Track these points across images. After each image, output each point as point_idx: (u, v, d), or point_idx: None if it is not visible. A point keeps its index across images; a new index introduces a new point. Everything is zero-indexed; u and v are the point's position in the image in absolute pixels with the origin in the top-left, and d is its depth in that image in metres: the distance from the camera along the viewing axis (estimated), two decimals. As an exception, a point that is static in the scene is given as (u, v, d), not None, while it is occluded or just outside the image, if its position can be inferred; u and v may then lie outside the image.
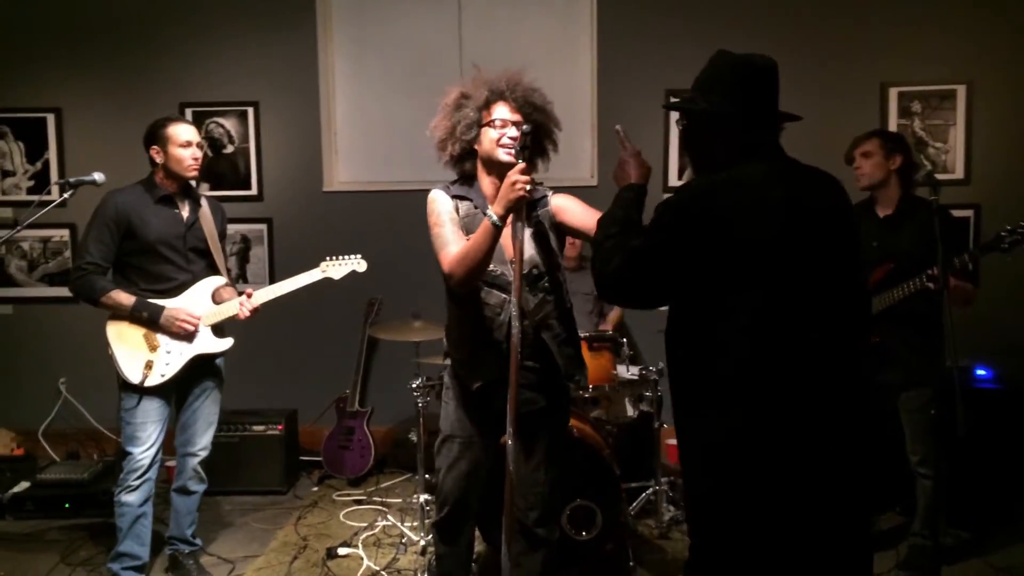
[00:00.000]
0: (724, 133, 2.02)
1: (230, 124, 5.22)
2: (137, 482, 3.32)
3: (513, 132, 2.46)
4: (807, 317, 1.86)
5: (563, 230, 2.62)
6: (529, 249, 2.53)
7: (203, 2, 5.18)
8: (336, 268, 3.56)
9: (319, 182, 5.28)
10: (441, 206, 2.55)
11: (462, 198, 2.58)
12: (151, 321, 3.30)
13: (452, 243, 2.47)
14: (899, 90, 4.91)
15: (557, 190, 2.66)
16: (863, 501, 1.95)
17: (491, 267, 2.48)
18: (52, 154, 5.26)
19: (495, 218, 2.33)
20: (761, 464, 1.84)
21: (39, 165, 5.27)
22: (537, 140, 2.51)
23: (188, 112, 5.16)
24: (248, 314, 3.40)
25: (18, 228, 3.05)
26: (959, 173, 4.91)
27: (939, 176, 4.78)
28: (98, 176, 3.22)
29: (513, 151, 2.41)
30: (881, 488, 1.65)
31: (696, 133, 2.09)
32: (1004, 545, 3.77)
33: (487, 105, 2.52)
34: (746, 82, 2.01)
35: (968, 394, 4.00)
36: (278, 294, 3.48)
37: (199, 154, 3.39)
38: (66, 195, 3.18)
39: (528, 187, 2.33)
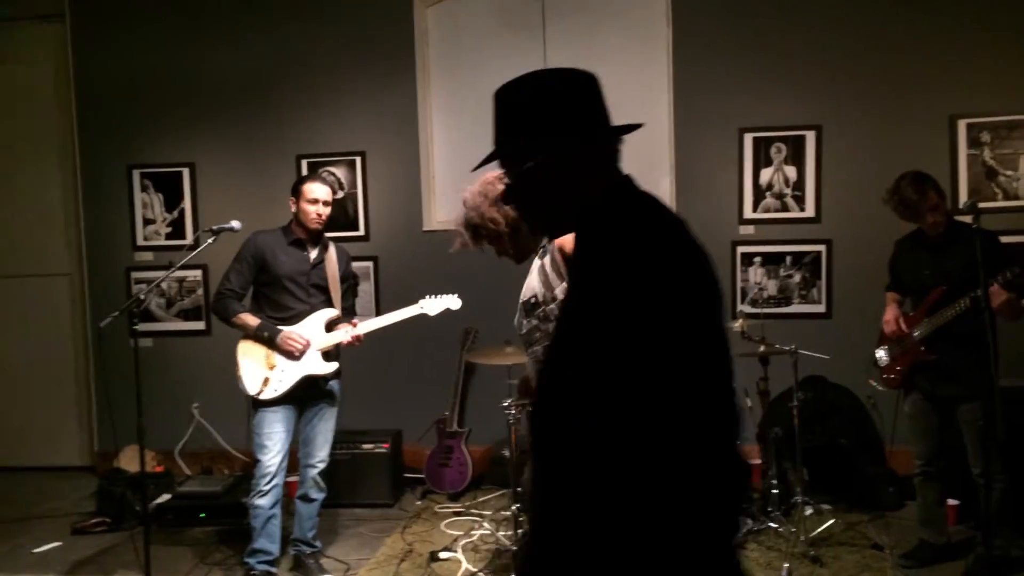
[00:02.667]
0: (583, 172, 1.57)
1: (340, 172, 5.80)
2: (268, 487, 3.84)
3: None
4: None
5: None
6: (534, 280, 2.87)
7: (315, 63, 5.79)
8: (432, 305, 4.06)
9: (419, 222, 5.79)
10: None
11: None
12: (270, 340, 3.85)
13: None
14: (967, 122, 5.09)
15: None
16: None
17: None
18: (187, 204, 5.94)
19: None
20: None
21: (176, 214, 5.96)
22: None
23: (304, 163, 5.77)
24: (351, 340, 3.89)
25: (173, 268, 3.66)
26: (1031, 199, 5.05)
27: (1009, 203, 4.99)
28: (235, 224, 3.82)
29: None
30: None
31: (544, 184, 1.57)
32: (1074, 558, 3.89)
33: None
34: (583, 100, 1.58)
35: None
36: (380, 325, 3.99)
37: (324, 211, 3.96)
38: (210, 240, 3.74)
39: None
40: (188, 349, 5.96)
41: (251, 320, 3.87)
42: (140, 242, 6.01)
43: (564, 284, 2.82)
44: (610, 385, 1.37)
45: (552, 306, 2.85)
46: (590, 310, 1.43)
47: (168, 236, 5.98)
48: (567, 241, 2.78)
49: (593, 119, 1.58)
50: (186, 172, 5.94)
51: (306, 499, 4.07)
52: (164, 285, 5.91)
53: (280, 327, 3.88)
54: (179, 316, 6.00)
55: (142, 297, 3.53)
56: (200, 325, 5.98)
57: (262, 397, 3.84)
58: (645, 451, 1.36)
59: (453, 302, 4.10)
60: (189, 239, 5.92)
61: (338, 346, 3.98)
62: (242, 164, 5.89)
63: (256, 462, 3.88)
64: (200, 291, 5.96)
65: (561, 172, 1.55)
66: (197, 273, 5.91)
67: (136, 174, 5.98)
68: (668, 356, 1.38)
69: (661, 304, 1.39)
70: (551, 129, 1.54)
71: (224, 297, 3.90)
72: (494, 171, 2.70)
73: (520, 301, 2.88)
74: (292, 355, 3.87)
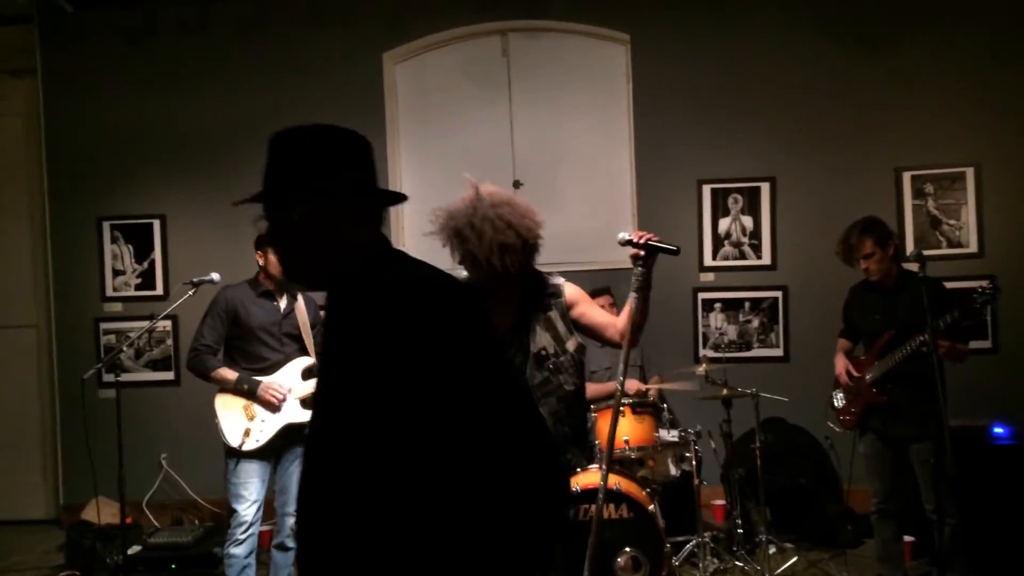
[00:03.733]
0: (347, 227, 1.57)
1: (311, 224, 5.90)
2: (243, 536, 3.88)
3: None
4: None
5: (577, 326, 2.97)
6: (541, 333, 2.89)
7: (286, 117, 5.88)
8: None
9: (389, 272, 5.90)
10: None
11: None
12: (251, 393, 3.91)
13: None
14: (912, 173, 5.38)
15: (569, 277, 3.09)
16: None
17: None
18: (157, 255, 6.00)
19: None
20: None
21: (146, 265, 6.02)
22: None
23: (274, 214, 5.86)
24: None
25: (156, 319, 3.73)
26: (973, 247, 5.32)
27: (953, 251, 5.25)
28: (215, 276, 3.92)
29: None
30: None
31: (308, 234, 1.56)
32: (1024, 589, 4.07)
33: None
34: (354, 158, 1.62)
35: (986, 450, 4.38)
36: None
37: None
38: (190, 292, 3.82)
39: None
40: (157, 399, 5.96)
41: (229, 374, 3.94)
42: (109, 293, 6.04)
43: (574, 338, 2.94)
44: (397, 448, 1.37)
45: (563, 358, 2.91)
46: (369, 373, 1.42)
47: (138, 287, 6.02)
48: (576, 298, 2.95)
49: (363, 179, 1.60)
50: (156, 224, 6.01)
51: (283, 548, 4.11)
52: (133, 335, 5.93)
53: (258, 378, 3.96)
54: (148, 366, 6.01)
55: (124, 348, 3.58)
56: (169, 375, 6.00)
57: (245, 448, 3.89)
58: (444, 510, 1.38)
59: None
60: (159, 290, 5.97)
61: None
62: (213, 216, 5.97)
63: (232, 512, 3.92)
64: (169, 341, 5.99)
65: (325, 224, 1.56)
66: (167, 323, 5.94)
67: (106, 225, 6.03)
68: (454, 409, 1.39)
69: (442, 359, 1.40)
70: (321, 181, 1.55)
71: (200, 353, 3.95)
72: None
73: (530, 354, 2.88)
74: (273, 406, 3.94)
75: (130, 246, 6.03)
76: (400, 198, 1.66)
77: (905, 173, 5.40)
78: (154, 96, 6.02)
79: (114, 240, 6.04)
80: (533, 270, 2.91)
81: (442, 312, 1.47)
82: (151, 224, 6.01)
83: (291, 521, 4.08)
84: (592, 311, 3.01)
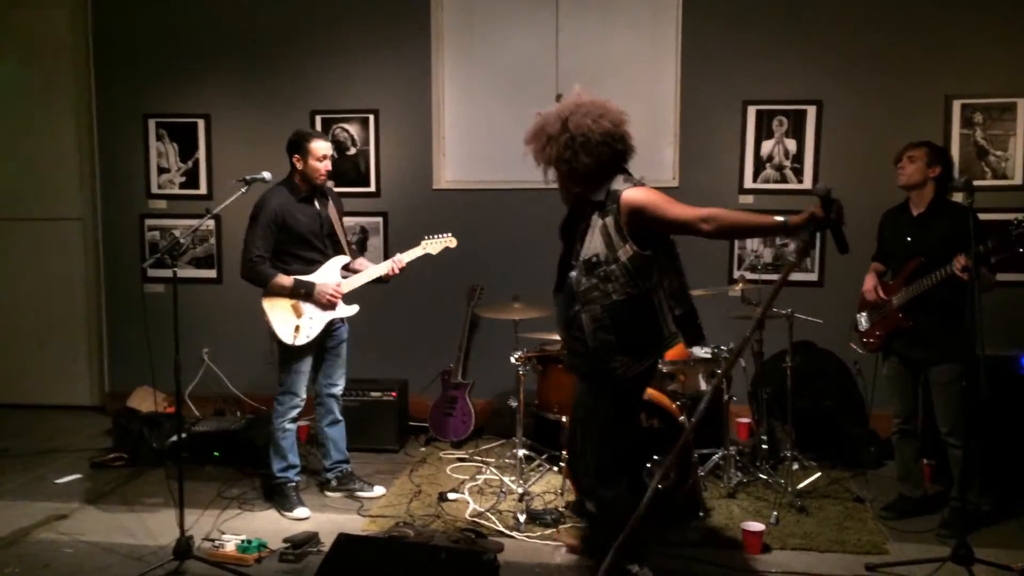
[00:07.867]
0: None
1: (354, 129, 5.95)
2: (296, 413, 4.26)
3: None
4: None
5: (654, 230, 2.92)
6: (596, 239, 2.94)
7: (332, 22, 5.91)
8: (433, 244, 4.44)
9: (429, 181, 5.96)
10: None
11: None
12: (307, 295, 4.12)
13: None
14: (962, 102, 5.31)
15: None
16: None
17: None
18: (202, 154, 6.08)
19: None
20: None
21: (190, 164, 6.10)
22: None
23: (318, 119, 5.91)
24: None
25: (210, 214, 3.80)
26: (1018, 179, 5.28)
27: (997, 182, 5.22)
28: (267, 175, 4.01)
29: None
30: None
31: None
32: (1039, 513, 4.18)
33: None
34: None
35: (1011, 380, 4.44)
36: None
37: (329, 166, 4.22)
38: (243, 190, 3.90)
39: None
40: (199, 296, 6.11)
41: (285, 280, 4.11)
42: (154, 190, 6.16)
43: (627, 246, 2.91)
44: None
45: (613, 266, 2.91)
46: None
47: (182, 185, 6.12)
48: (632, 203, 2.89)
49: None
50: (201, 123, 6.06)
51: (335, 422, 4.48)
52: (177, 233, 6.06)
53: (310, 280, 4.17)
54: (191, 264, 6.15)
55: (182, 241, 3.70)
56: (212, 273, 6.15)
57: (297, 343, 4.11)
58: None
59: (450, 241, 4.48)
60: (203, 189, 6.08)
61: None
62: (257, 117, 6.02)
63: (287, 395, 4.24)
64: (212, 240, 6.12)
65: None
66: (210, 223, 6.05)
67: (152, 123, 6.10)
68: None
69: None
70: None
71: (257, 264, 4.08)
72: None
73: (580, 260, 2.96)
74: (331, 306, 4.19)
75: (175, 144, 6.11)
76: None
77: (955, 101, 5.31)
78: (201, -6, 6.02)
79: (159, 138, 6.11)
80: (607, 176, 2.98)
81: None
82: (196, 123, 6.07)
83: (336, 393, 4.44)
84: (664, 209, 2.86)
